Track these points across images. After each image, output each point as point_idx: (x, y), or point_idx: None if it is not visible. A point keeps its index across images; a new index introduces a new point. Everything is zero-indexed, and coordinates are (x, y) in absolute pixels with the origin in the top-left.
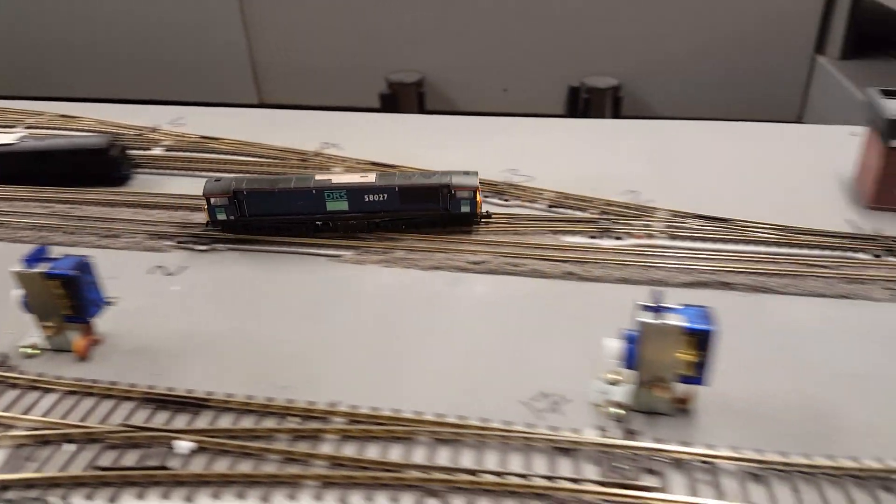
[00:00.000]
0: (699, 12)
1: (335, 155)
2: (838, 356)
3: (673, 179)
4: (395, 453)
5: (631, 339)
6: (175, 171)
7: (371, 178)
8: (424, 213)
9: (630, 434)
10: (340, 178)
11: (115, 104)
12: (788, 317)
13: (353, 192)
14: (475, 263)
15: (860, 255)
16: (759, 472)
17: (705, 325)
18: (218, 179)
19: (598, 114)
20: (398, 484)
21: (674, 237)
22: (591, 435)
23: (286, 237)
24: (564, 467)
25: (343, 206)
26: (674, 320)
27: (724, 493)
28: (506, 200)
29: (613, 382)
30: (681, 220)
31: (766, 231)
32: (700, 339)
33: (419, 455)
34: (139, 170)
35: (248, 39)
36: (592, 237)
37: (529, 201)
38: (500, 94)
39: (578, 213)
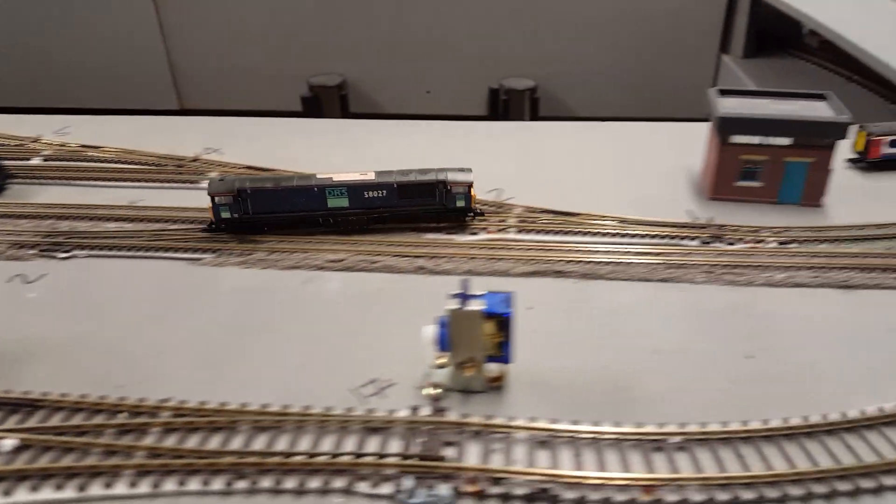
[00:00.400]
0: (610, 15)
1: (214, 160)
2: (649, 334)
3: (534, 178)
4: (214, 442)
5: (443, 325)
6: (52, 181)
7: (371, 175)
8: (421, 208)
9: (439, 412)
10: (341, 175)
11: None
12: (613, 300)
13: (354, 189)
14: (333, 262)
15: (691, 243)
16: (546, 439)
17: (503, 310)
18: (222, 179)
19: (518, 115)
20: (210, 469)
21: (523, 231)
22: (403, 414)
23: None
24: (373, 445)
25: (343, 202)
26: (476, 306)
27: (513, 461)
28: None
29: (440, 366)
30: (533, 215)
31: (607, 223)
32: (500, 322)
33: (236, 442)
34: (14, 181)
35: (166, 44)
36: (451, 233)
37: None
38: (424, 95)
39: None
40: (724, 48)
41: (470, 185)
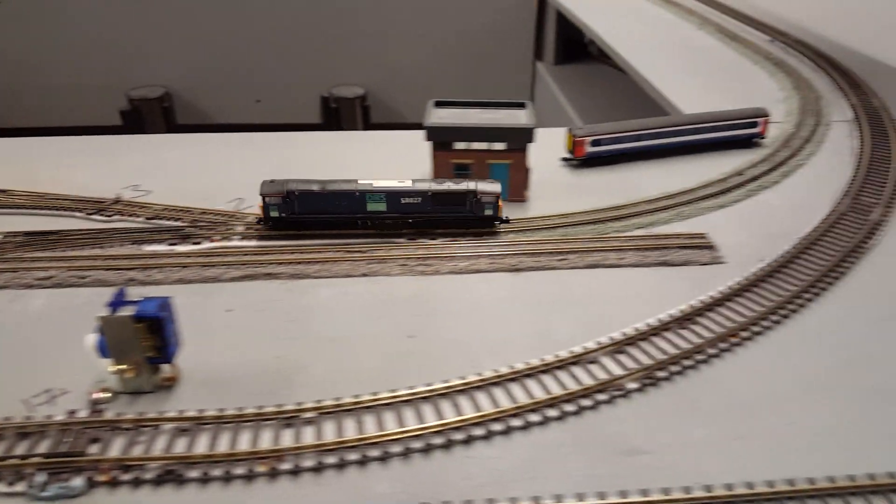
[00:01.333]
0: (434, 27)
1: None
2: (333, 325)
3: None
4: None
5: (101, 332)
6: None
7: (407, 183)
8: (453, 216)
9: (96, 412)
10: (381, 182)
11: None
12: (313, 297)
13: (391, 195)
14: (42, 279)
15: (398, 239)
16: (191, 427)
17: (155, 313)
18: (272, 181)
19: (350, 123)
20: None
21: (246, 238)
22: (59, 418)
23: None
24: (24, 448)
25: (382, 207)
26: (126, 312)
27: (153, 450)
28: (109, 216)
29: (115, 372)
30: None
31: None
32: (153, 325)
33: None
34: None
35: None
36: (172, 244)
37: (130, 216)
38: (254, 105)
39: (172, 223)
40: (538, 56)
41: (498, 196)
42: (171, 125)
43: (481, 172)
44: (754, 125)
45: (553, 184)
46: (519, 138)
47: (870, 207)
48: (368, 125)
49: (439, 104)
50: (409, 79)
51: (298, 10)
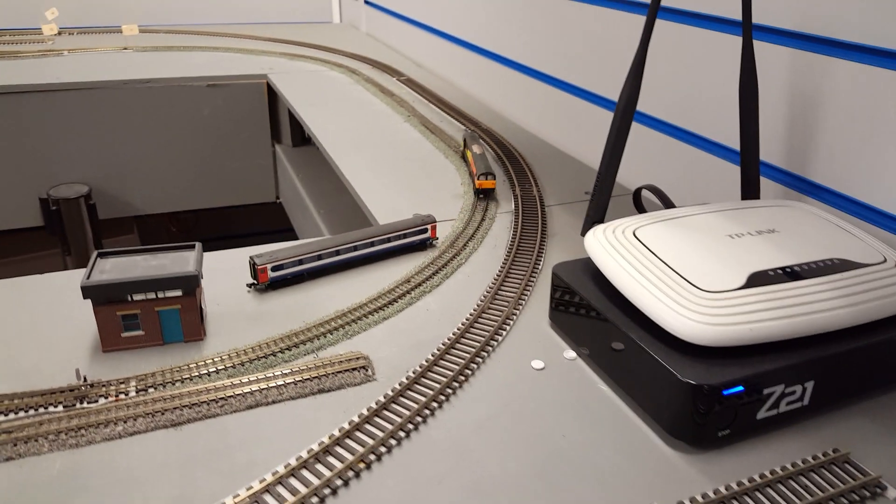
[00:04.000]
0: (158, 116)
1: None
2: None
3: None
4: None
5: None
6: None
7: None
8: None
9: None
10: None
11: None
12: None
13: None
14: None
15: (55, 409)
16: None
17: None
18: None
19: (74, 222)
20: None
21: None
22: None
23: None
24: None
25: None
26: None
27: None
28: None
29: None
30: None
31: None
32: None
33: None
34: None
35: None
36: None
37: None
38: None
39: None
40: (276, 138)
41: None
42: None
43: (152, 320)
44: (425, 230)
45: (235, 315)
46: (182, 285)
47: (506, 304)
48: (95, 221)
49: (102, 255)
50: (137, 169)
51: (8, 109)
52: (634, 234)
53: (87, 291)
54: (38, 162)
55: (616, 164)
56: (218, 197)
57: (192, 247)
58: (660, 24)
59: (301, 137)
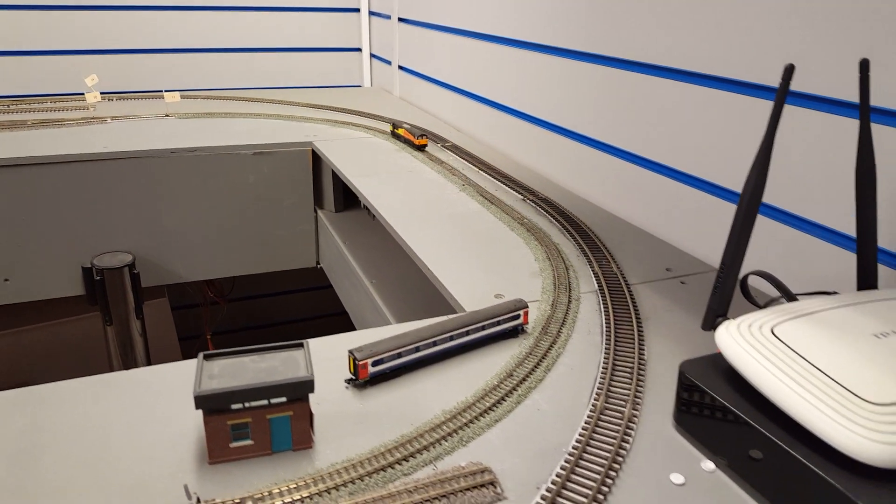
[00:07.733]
0: (204, 185)
1: None
2: None
3: None
4: None
5: None
6: None
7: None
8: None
9: None
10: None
11: None
12: None
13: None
14: None
15: None
16: None
17: None
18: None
19: (118, 292)
20: None
21: None
22: None
23: None
24: None
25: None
26: None
27: None
28: None
29: None
30: None
31: None
32: None
33: None
34: None
35: None
36: None
37: None
38: (2, 283)
39: None
40: (319, 204)
41: None
42: None
43: (262, 429)
44: (517, 316)
45: (339, 416)
46: (295, 391)
47: (622, 402)
48: (138, 291)
49: (208, 357)
50: (181, 237)
51: (53, 178)
52: (773, 332)
53: (201, 401)
54: (81, 230)
55: (742, 254)
56: (259, 263)
57: (301, 345)
58: (766, 104)
59: (344, 203)
